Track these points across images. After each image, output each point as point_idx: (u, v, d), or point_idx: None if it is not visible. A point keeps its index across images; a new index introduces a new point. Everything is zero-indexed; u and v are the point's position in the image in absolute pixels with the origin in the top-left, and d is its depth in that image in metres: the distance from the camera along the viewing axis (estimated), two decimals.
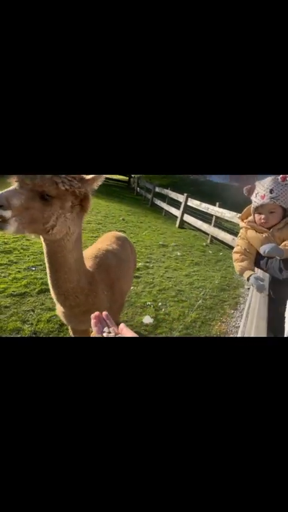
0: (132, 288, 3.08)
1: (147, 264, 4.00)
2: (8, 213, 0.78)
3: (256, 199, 1.26)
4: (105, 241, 1.65)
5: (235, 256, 1.40)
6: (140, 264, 3.90)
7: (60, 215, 0.89)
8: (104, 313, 0.66)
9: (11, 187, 0.82)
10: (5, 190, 0.80)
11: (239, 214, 5.26)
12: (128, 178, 16.27)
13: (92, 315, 0.64)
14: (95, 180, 0.97)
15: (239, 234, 1.44)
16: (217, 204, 5.82)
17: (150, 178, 15.03)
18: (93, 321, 0.64)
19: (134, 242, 4.98)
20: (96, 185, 0.99)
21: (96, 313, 0.65)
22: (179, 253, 4.83)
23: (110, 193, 11.00)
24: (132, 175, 16.43)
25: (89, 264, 1.26)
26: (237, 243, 1.42)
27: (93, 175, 0.97)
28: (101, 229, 5.33)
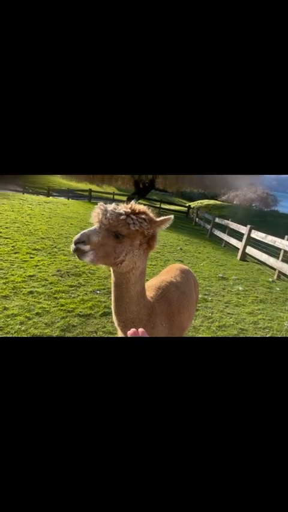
0: None
1: (206, 297, 3.85)
2: (87, 247, 0.95)
3: None
4: (169, 273, 1.66)
5: None
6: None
7: (129, 251, 1.00)
8: (140, 330, 0.68)
9: (92, 227, 0.99)
10: (88, 229, 0.98)
11: None
12: (187, 208, 16.62)
13: (129, 332, 0.68)
14: (164, 223, 1.04)
15: None
16: (286, 237, 5.35)
17: (209, 209, 15.02)
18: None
19: None
20: (164, 227, 1.05)
21: (133, 330, 0.68)
22: (241, 288, 4.51)
23: None
24: (192, 206, 16.70)
25: (151, 294, 1.30)
26: None
27: (163, 218, 1.03)
28: (159, 258, 5.47)
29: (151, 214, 1.05)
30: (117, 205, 1.04)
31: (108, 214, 0.97)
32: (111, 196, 15.57)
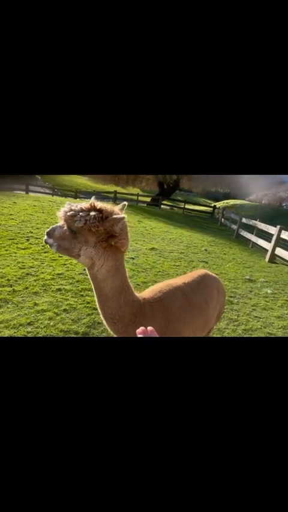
0: None
1: (231, 299, 3.74)
2: (50, 241, 1.08)
3: None
4: (186, 278, 1.55)
5: None
6: None
7: (82, 247, 1.04)
8: (149, 328, 0.67)
9: (60, 223, 1.08)
10: (55, 224, 1.08)
11: None
12: (212, 209, 16.24)
13: (138, 331, 0.67)
14: (115, 222, 0.99)
15: None
16: None
17: (236, 209, 14.52)
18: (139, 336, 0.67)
19: (216, 274, 4.79)
20: (116, 226, 0.99)
21: (141, 328, 0.67)
22: (269, 291, 4.30)
23: (192, 223, 11.21)
24: (217, 206, 16.26)
25: (147, 295, 1.27)
26: None
27: (112, 217, 0.99)
28: (183, 259, 5.42)
29: (110, 212, 1.02)
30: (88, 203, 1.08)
31: (61, 211, 1.04)
32: (135, 197, 15.76)
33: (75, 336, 2.37)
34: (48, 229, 1.08)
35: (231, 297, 3.83)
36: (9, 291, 2.90)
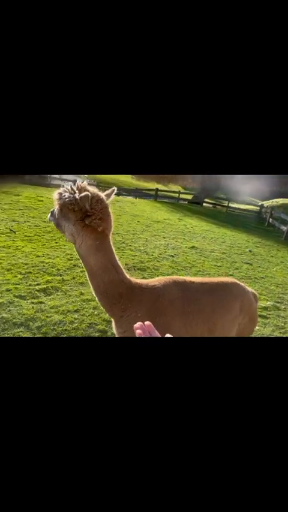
0: (257, 328, 2.76)
1: (278, 305, 3.48)
2: (51, 218, 1.22)
3: None
4: (204, 279, 1.46)
5: None
6: (268, 303, 3.45)
7: (65, 224, 1.15)
8: (147, 323, 0.63)
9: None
10: None
11: None
12: (259, 208, 15.19)
13: (135, 325, 0.63)
14: (83, 200, 1.06)
15: None
16: None
17: (285, 208, 13.36)
18: (137, 332, 0.61)
19: (262, 277, 4.49)
20: (86, 203, 1.06)
21: (139, 324, 0.62)
22: None
23: (236, 222, 10.66)
24: (265, 205, 15.16)
25: (144, 282, 1.29)
26: None
27: (81, 195, 1.06)
28: (225, 259, 5.21)
29: (88, 193, 1.07)
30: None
31: (56, 192, 1.14)
32: (176, 195, 15.59)
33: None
34: (52, 209, 1.23)
35: (278, 302, 3.56)
36: (59, 280, 3.17)
